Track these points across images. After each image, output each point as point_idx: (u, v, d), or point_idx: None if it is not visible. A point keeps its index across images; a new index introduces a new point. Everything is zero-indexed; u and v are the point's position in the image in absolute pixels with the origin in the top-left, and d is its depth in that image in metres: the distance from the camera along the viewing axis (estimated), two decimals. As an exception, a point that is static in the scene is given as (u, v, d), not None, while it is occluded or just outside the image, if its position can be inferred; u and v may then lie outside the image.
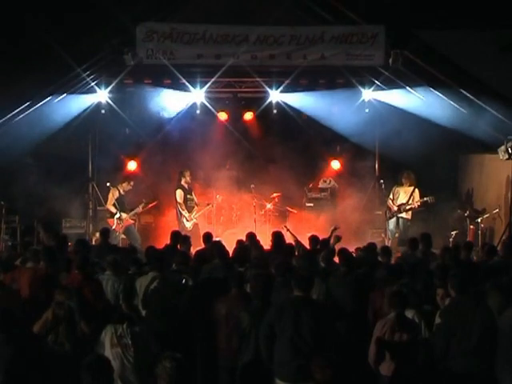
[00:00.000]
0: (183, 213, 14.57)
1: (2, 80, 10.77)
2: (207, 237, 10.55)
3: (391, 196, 14.71)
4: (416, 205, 14.45)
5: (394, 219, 14.58)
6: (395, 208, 14.51)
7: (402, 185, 14.71)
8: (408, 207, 14.47)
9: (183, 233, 13.26)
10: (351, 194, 15.76)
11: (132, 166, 16.47)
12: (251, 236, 10.61)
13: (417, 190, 14.56)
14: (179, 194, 14.68)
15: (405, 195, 14.56)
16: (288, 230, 12.09)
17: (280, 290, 7.28)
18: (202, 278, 8.36)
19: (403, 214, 14.55)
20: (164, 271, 8.27)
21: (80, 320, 6.71)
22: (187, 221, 14.55)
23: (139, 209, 14.76)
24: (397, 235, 14.48)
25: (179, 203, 14.64)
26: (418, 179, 14.67)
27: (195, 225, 14.70)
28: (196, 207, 14.96)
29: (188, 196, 14.82)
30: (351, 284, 8.07)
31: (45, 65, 11.57)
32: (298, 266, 8.34)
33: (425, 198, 14.32)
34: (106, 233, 11.47)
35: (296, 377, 6.29)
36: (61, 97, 13.82)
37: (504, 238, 12.92)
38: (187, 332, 7.48)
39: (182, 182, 14.78)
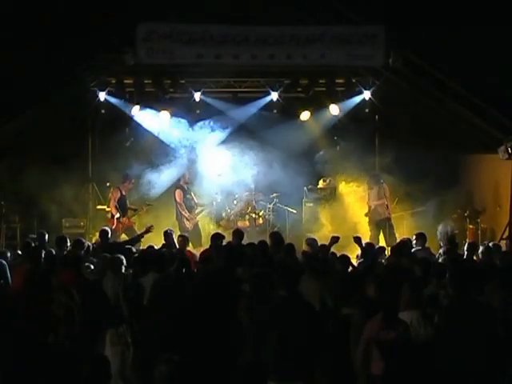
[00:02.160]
0: (183, 213, 14.55)
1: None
2: (217, 237, 10.21)
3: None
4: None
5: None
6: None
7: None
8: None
9: (184, 233, 13.29)
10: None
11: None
12: (238, 233, 10.48)
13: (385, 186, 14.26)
14: (178, 194, 14.67)
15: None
16: None
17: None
18: (206, 278, 8.34)
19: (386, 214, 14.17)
20: (164, 271, 8.26)
21: (80, 320, 6.70)
22: (187, 220, 14.54)
23: (142, 210, 14.73)
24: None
25: (178, 203, 14.62)
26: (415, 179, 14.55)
27: (196, 224, 14.69)
28: (195, 207, 14.95)
29: (187, 196, 14.81)
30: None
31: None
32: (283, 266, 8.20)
33: None
34: (105, 234, 11.38)
35: (284, 377, 6.27)
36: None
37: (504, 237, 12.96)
38: (188, 332, 7.47)
39: (181, 183, 14.77)
